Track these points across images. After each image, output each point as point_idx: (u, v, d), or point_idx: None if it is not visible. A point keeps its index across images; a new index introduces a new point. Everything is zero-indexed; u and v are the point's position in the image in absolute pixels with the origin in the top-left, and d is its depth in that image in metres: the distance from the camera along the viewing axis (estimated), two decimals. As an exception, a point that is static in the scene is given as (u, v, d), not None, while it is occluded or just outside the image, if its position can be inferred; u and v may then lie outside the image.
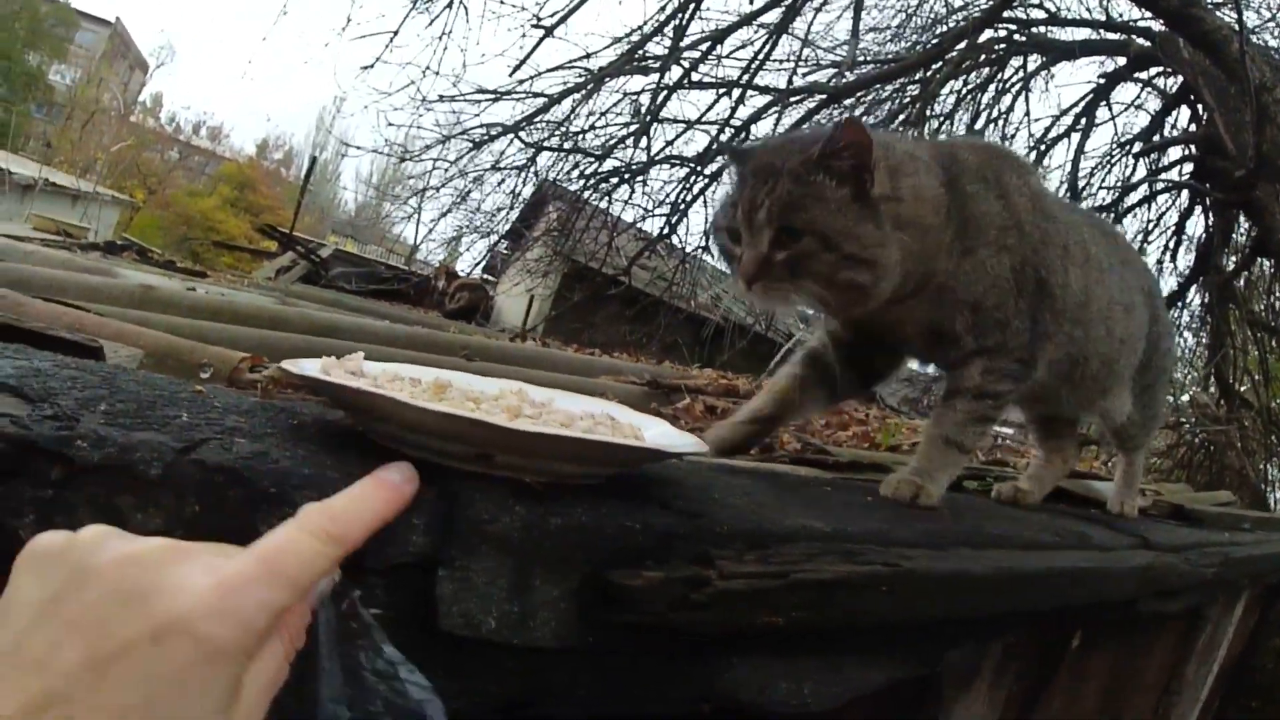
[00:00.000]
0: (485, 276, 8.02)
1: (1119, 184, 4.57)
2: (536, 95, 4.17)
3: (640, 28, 4.04)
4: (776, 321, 5.75)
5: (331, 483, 0.44)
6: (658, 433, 0.62)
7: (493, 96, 4.16)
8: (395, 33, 3.97)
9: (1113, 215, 4.19)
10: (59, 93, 23.36)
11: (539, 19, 3.93)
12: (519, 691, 0.51)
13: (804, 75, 4.32)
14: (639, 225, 4.88)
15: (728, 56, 4.24)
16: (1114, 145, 4.66)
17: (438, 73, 4.12)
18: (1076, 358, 0.99)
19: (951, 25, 4.38)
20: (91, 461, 0.40)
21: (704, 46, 4.04)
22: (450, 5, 3.99)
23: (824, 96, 4.08)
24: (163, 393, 0.53)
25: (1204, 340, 4.58)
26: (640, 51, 4.03)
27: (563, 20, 3.95)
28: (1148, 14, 3.77)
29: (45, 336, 0.67)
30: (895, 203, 0.80)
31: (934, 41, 4.25)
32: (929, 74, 4.16)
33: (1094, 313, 1.00)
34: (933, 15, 4.61)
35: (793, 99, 4.17)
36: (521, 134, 4.34)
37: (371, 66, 4.03)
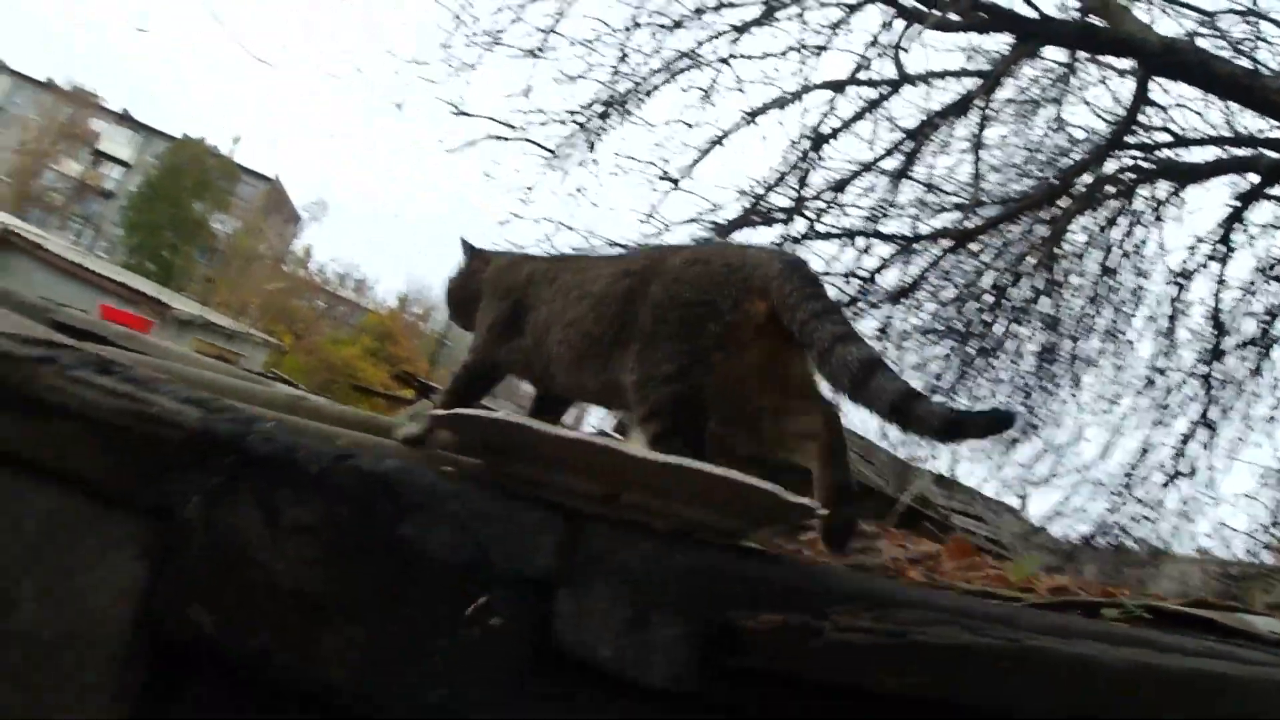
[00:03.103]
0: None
1: (1266, 312, 4.33)
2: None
3: (763, 179, 4.16)
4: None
5: (473, 500, 0.47)
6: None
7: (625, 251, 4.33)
8: (531, 188, 4.20)
9: (1261, 347, 3.99)
10: (220, 240, 25.96)
11: (665, 173, 4.11)
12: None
13: (928, 221, 4.33)
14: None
15: (851, 205, 4.29)
16: (1256, 271, 4.40)
17: (571, 227, 4.24)
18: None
19: (1075, 158, 4.35)
20: (259, 454, 0.45)
21: (827, 196, 4.14)
22: (581, 163, 4.24)
23: (950, 242, 4.09)
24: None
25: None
26: (763, 203, 4.14)
27: (688, 172, 4.10)
28: (1276, 124, 3.69)
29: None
30: None
31: (1056, 177, 4.23)
32: (1057, 211, 4.13)
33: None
34: (1056, 149, 4.54)
35: (918, 245, 4.19)
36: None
37: (508, 221, 4.22)
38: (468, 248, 1.21)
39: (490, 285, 1.14)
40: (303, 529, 0.46)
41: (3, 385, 0.49)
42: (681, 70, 4.22)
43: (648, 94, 4.27)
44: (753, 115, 4.11)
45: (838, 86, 4.16)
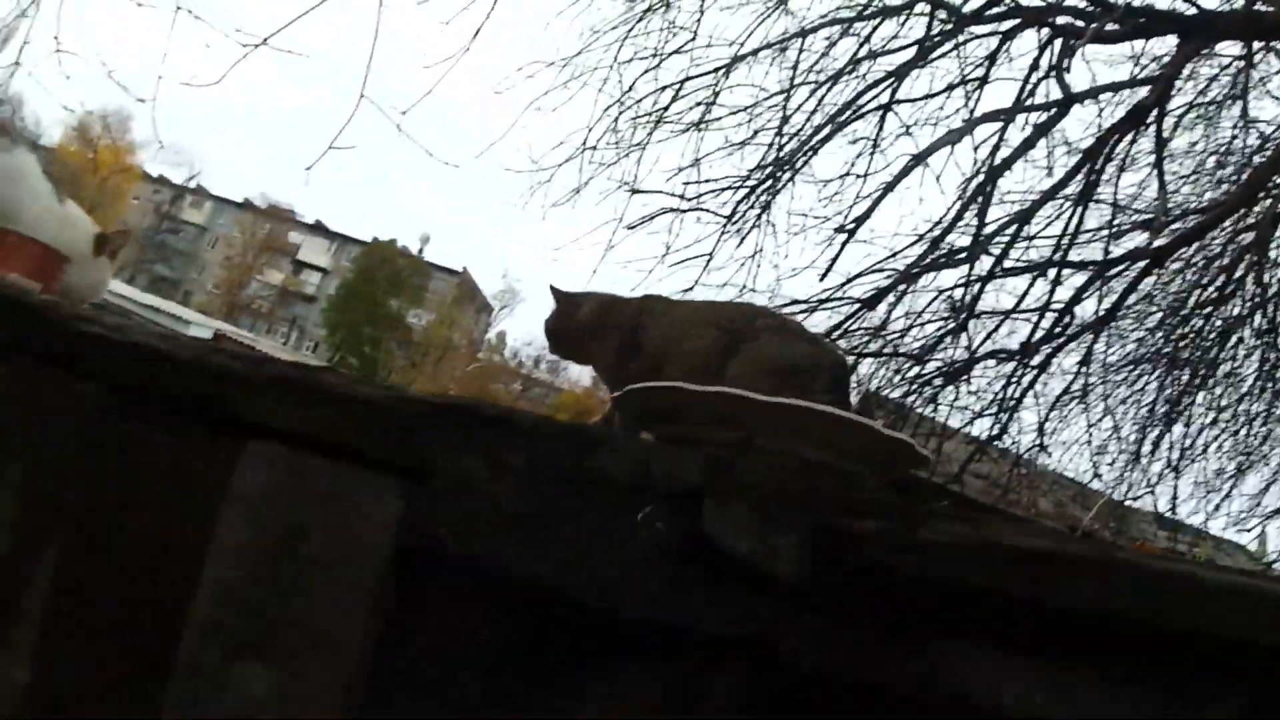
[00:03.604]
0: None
1: None
2: (850, 301, 4.19)
3: (940, 220, 4.07)
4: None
5: (639, 441, 0.65)
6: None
7: (808, 307, 4.19)
8: (710, 255, 4.29)
9: None
10: (415, 332, 28.17)
11: (842, 225, 4.10)
12: (764, 627, 0.65)
13: (1119, 243, 4.09)
14: (966, 428, 4.58)
15: (1036, 237, 4.11)
16: None
17: (753, 289, 4.30)
18: None
19: (1267, 155, 4.01)
20: (487, 415, 0.65)
21: (1010, 230, 3.98)
22: (756, 227, 4.33)
23: (1146, 261, 3.83)
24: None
25: None
26: (944, 244, 4.04)
27: (861, 221, 4.09)
28: None
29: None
30: None
31: (1250, 179, 3.92)
32: (1259, 215, 3.79)
33: None
34: (1247, 150, 4.22)
35: (1112, 270, 3.94)
36: (839, 342, 4.37)
37: (691, 289, 4.27)
38: None
39: None
40: (518, 467, 0.65)
41: (295, 385, 0.71)
42: (845, 122, 4.24)
43: (815, 150, 4.30)
44: (920, 157, 4.02)
45: (1005, 116, 4.02)
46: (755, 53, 4.32)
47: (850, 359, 4.33)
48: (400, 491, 0.67)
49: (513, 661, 0.68)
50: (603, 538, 0.64)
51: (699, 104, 4.38)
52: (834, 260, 4.08)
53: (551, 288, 1.35)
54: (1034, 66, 3.97)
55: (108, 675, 0.77)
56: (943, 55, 4.11)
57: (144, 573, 0.75)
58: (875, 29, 4.19)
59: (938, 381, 4.24)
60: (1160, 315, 4.40)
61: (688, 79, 4.35)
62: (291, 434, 0.69)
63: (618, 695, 0.67)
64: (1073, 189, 3.94)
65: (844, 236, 4.06)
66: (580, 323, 1.28)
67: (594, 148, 4.47)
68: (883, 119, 4.19)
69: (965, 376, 4.26)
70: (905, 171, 4.08)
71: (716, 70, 4.35)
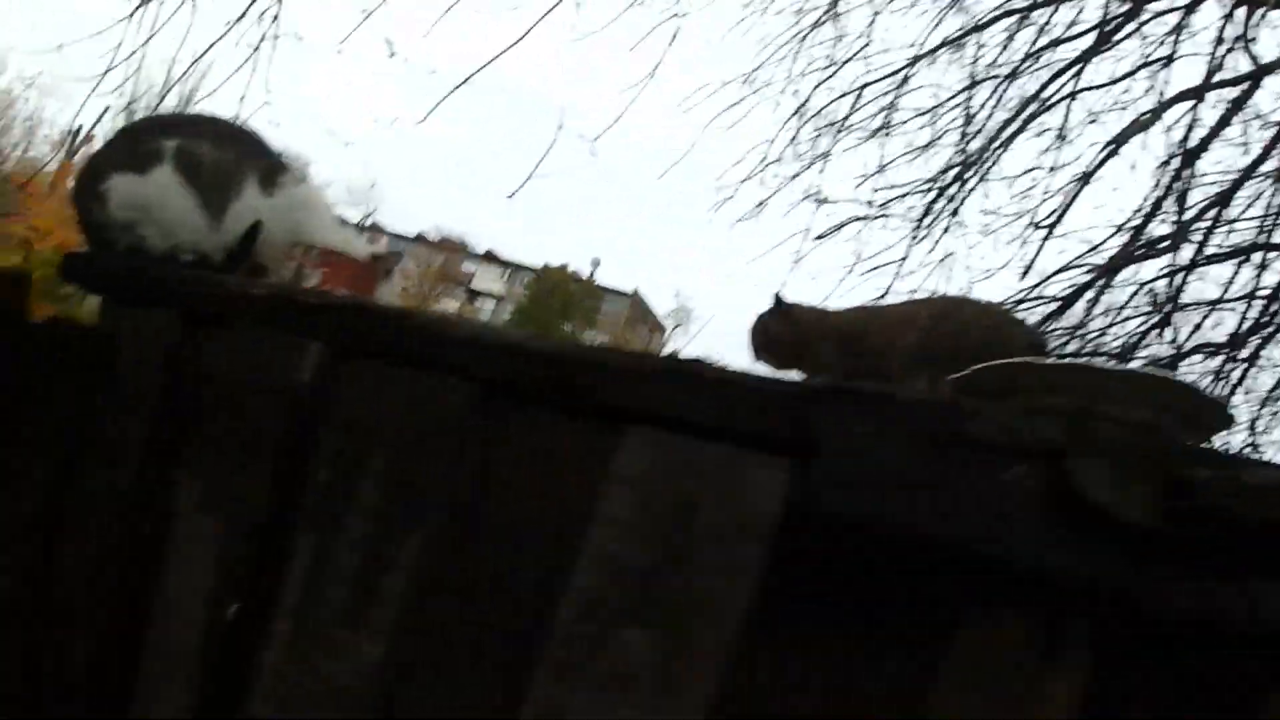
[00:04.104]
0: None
1: None
2: (1048, 300, 4.00)
3: (1138, 210, 3.88)
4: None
5: (1001, 411, 0.74)
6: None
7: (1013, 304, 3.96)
8: (903, 259, 4.25)
9: None
10: (591, 355, 28.36)
11: (1036, 222, 4.02)
12: (1117, 571, 0.74)
13: None
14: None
15: (1239, 220, 3.84)
16: None
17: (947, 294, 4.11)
18: None
19: None
20: (866, 394, 0.73)
21: (1210, 214, 3.77)
22: (947, 229, 4.25)
23: None
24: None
25: None
26: (1144, 234, 3.85)
27: (1060, 217, 3.99)
28: None
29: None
30: None
31: None
32: None
33: None
34: None
35: None
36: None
37: (883, 296, 4.19)
38: None
39: None
40: (900, 436, 0.73)
41: (681, 375, 0.79)
42: (1032, 116, 4.10)
43: (1004, 146, 4.16)
44: (1114, 145, 3.88)
45: (1195, 94, 3.83)
46: (933, 52, 4.25)
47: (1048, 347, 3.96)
48: (786, 465, 0.75)
49: (884, 613, 0.76)
50: (975, 493, 0.73)
51: (880, 110, 4.34)
52: (1034, 258, 3.98)
53: (775, 296, 1.45)
54: (1219, 40, 3.78)
55: (461, 653, 0.82)
56: (1125, 37, 3.96)
57: (509, 553, 0.81)
58: (1052, 15, 4.06)
59: None
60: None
61: (865, 85, 4.33)
62: (674, 419, 0.77)
63: (984, 637, 0.75)
64: (1272, 164, 3.69)
65: (1042, 233, 3.95)
66: (801, 331, 1.37)
67: (777, 160, 4.43)
68: (1068, 109, 4.06)
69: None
70: (1101, 162, 3.93)
71: (895, 74, 4.32)
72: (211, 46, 3.74)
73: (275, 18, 3.69)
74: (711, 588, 0.76)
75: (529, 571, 0.81)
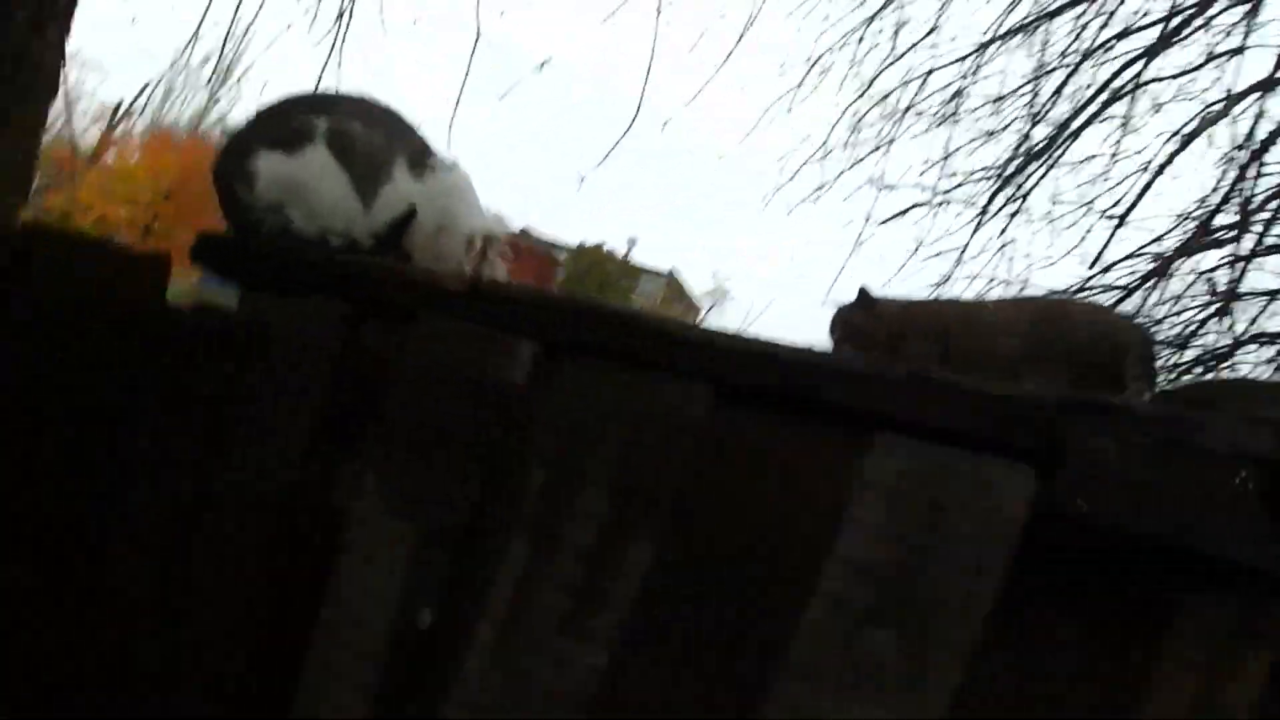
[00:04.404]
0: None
1: None
2: (1109, 289, 4.10)
3: (1204, 199, 3.97)
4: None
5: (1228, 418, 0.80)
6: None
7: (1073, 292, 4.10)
8: (964, 247, 4.30)
9: None
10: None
11: (1104, 213, 4.09)
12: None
13: None
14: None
15: None
16: None
17: (1008, 281, 4.26)
18: None
19: None
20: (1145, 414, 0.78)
21: (1273, 205, 3.83)
22: (1013, 215, 4.29)
23: None
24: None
25: None
26: (1210, 224, 3.92)
27: (1132, 207, 4.05)
28: None
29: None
30: None
31: None
32: None
33: None
34: None
35: None
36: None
37: (945, 282, 4.29)
38: None
39: None
40: (1142, 445, 0.78)
41: (929, 385, 0.82)
42: (1102, 106, 4.15)
43: (1075, 136, 4.22)
44: (1187, 140, 3.93)
45: (1264, 87, 3.87)
46: (1003, 37, 4.25)
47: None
48: (1032, 472, 0.79)
49: (1111, 605, 0.82)
50: (1203, 497, 0.78)
51: (948, 98, 4.37)
52: (1104, 247, 4.05)
53: (861, 290, 1.47)
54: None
55: (692, 658, 0.85)
56: (1195, 30, 4.00)
57: (743, 558, 0.84)
58: (1120, 4, 4.09)
59: (1198, 370, 3.98)
60: None
61: (931, 71, 4.36)
62: (920, 426, 0.80)
63: (1198, 625, 0.82)
64: None
65: (1110, 223, 4.00)
66: (889, 326, 1.40)
67: (845, 145, 4.42)
68: (1133, 99, 4.11)
69: (1228, 363, 3.96)
70: (1172, 157, 3.98)
71: (962, 59, 4.34)
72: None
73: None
74: (957, 588, 0.80)
75: (766, 576, 0.83)
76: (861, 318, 1.48)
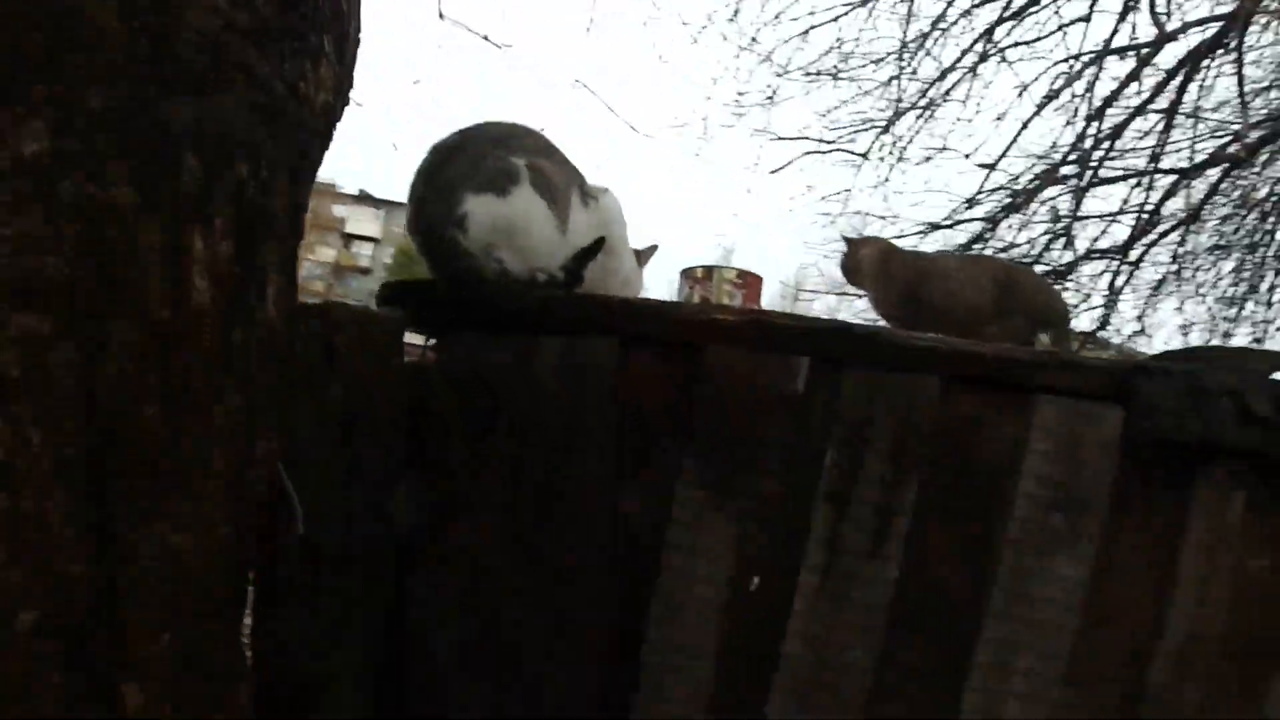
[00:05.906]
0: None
1: None
2: (977, 220, 5.33)
3: (1054, 146, 5.19)
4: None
5: None
6: None
7: (948, 225, 5.37)
8: (847, 190, 5.45)
9: None
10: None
11: (976, 161, 5.25)
12: None
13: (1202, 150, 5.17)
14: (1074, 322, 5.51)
15: (1131, 151, 5.22)
16: None
17: (882, 218, 5.30)
18: None
19: None
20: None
21: (1105, 146, 5.07)
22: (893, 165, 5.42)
23: (1227, 165, 4.95)
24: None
25: None
26: (1058, 168, 5.08)
27: (1002, 155, 5.23)
28: None
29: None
30: None
31: None
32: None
33: None
34: None
35: (1195, 175, 5.05)
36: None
37: (834, 221, 5.41)
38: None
39: None
40: (1190, 390, 1.34)
41: (1066, 362, 1.32)
42: (965, 67, 5.23)
43: (947, 92, 5.34)
44: (1046, 99, 5.08)
45: (1105, 54, 5.08)
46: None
47: None
48: (1120, 409, 1.31)
49: (1166, 483, 1.36)
50: (1238, 411, 1.34)
51: (827, 52, 5.33)
52: (978, 191, 5.25)
53: (842, 236, 1.93)
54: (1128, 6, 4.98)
55: (947, 557, 1.27)
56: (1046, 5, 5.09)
57: (970, 481, 1.28)
58: None
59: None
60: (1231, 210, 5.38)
61: (811, 29, 5.30)
62: (1064, 390, 1.29)
63: (1219, 503, 1.39)
64: (1161, 103, 5.04)
65: (977, 171, 5.16)
66: (864, 267, 1.84)
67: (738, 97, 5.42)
68: (984, 57, 5.21)
69: (1071, 277, 5.24)
70: (1038, 110, 5.12)
71: (838, 19, 5.28)
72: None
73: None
74: (1092, 483, 1.29)
75: (986, 489, 1.28)
76: (846, 258, 1.94)
